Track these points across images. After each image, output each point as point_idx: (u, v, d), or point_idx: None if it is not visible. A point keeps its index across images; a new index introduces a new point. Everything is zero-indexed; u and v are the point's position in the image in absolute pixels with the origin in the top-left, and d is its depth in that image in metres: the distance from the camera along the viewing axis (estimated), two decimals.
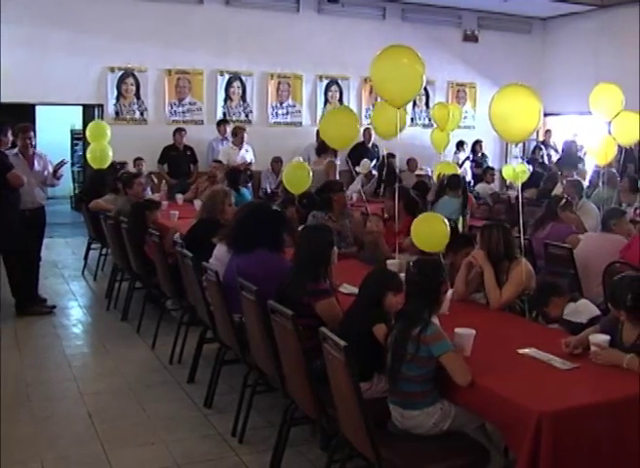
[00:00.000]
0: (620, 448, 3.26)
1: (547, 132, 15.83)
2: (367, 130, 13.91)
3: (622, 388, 3.39)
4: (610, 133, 8.44)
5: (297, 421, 4.27)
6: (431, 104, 14.30)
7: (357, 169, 12.23)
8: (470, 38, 15.94)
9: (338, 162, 11.06)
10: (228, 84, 13.72)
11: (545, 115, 16.72)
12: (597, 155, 9.00)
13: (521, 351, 3.83)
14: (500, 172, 14.40)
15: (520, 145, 16.99)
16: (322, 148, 10.97)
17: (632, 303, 3.61)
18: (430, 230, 5.97)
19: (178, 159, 12.37)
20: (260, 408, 4.94)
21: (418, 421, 3.60)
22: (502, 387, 3.38)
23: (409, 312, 3.69)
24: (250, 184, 11.41)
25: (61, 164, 7.71)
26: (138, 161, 11.72)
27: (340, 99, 14.60)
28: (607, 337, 3.69)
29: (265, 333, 4.27)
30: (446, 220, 6.09)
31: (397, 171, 12.05)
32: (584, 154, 12.92)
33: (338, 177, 10.30)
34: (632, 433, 3.28)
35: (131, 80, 12.91)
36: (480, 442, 3.68)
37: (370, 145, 13.62)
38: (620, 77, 10.30)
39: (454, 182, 9.11)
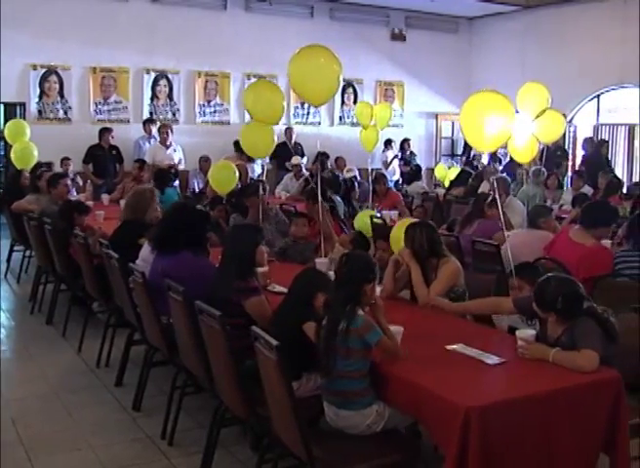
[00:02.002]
0: (546, 440, 3.31)
1: None
2: (289, 129, 13.93)
3: (549, 382, 3.45)
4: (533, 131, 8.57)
5: (227, 422, 4.24)
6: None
7: (287, 164, 12.29)
8: (398, 37, 16.07)
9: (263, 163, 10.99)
10: (155, 82, 13.56)
11: None
12: (520, 153, 9.14)
13: (449, 347, 3.87)
14: (432, 170, 14.61)
15: (449, 145, 17.29)
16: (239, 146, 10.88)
17: (563, 305, 3.67)
18: None
19: (103, 159, 12.17)
20: (190, 409, 4.89)
21: (352, 422, 3.59)
22: (431, 383, 3.40)
23: (332, 305, 3.68)
24: (177, 184, 11.31)
25: None
26: (65, 161, 11.51)
27: None
28: (533, 332, 3.76)
29: (193, 334, 4.23)
30: None
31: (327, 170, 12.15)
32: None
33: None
34: (559, 425, 3.34)
35: (54, 78, 12.65)
36: (412, 438, 3.70)
37: (292, 144, 13.61)
38: (545, 76, 10.50)
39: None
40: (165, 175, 9.79)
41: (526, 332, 3.76)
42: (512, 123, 5.21)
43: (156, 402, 5.13)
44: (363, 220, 8.28)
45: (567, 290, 3.72)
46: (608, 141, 13.62)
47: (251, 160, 11.09)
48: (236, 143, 11.49)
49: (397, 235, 5.70)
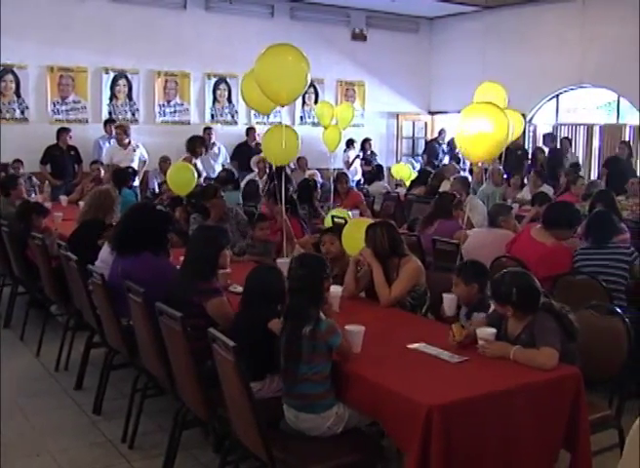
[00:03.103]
0: (508, 437, 3.34)
1: (442, 131, 16.04)
2: (250, 129, 13.86)
3: (510, 379, 3.47)
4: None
5: (188, 424, 4.20)
6: None
7: (252, 162, 12.26)
8: (359, 37, 16.09)
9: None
10: (114, 82, 13.40)
11: (433, 113, 17.17)
12: None
13: (410, 346, 3.87)
14: (390, 169, 14.64)
15: (409, 144, 17.37)
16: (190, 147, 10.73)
17: (518, 297, 3.70)
18: (360, 234, 5.81)
19: (61, 159, 11.97)
20: (151, 412, 4.84)
21: (312, 425, 3.59)
22: (392, 382, 3.41)
23: (295, 309, 3.68)
24: (137, 184, 11.18)
25: None
26: (15, 163, 11.31)
27: (229, 98, 14.50)
28: (493, 330, 3.78)
29: (154, 336, 4.20)
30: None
31: (289, 171, 12.11)
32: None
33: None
34: (520, 422, 3.37)
35: (10, 77, 12.41)
36: (374, 438, 3.70)
37: (253, 145, 13.56)
38: (505, 76, 10.62)
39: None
40: (124, 175, 9.68)
41: (486, 331, 3.78)
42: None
43: (117, 405, 5.08)
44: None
45: (521, 282, 3.76)
46: (569, 138, 13.73)
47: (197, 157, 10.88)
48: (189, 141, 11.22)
49: (349, 233, 5.69)
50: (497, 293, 3.82)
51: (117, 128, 12.12)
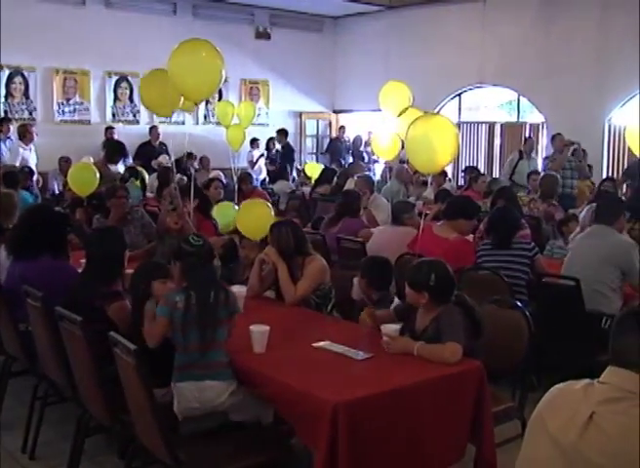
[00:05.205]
0: (414, 432, 3.38)
1: (341, 128, 16.30)
2: (153, 128, 13.66)
3: (414, 374, 3.50)
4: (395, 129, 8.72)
5: (91, 431, 4.10)
6: None
7: (153, 163, 12.09)
8: (263, 35, 16.06)
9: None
10: (9, 79, 12.99)
11: (337, 112, 17.29)
12: (384, 151, 9.32)
13: (315, 345, 3.88)
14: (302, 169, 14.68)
15: (314, 141, 17.45)
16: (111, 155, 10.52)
17: (436, 283, 3.73)
18: (255, 215, 5.89)
19: None
20: (53, 420, 4.68)
21: (215, 392, 3.57)
22: (298, 381, 3.41)
23: (203, 280, 3.74)
24: (36, 186, 10.86)
25: None
26: None
27: (131, 97, 14.24)
28: (397, 327, 3.81)
29: (54, 341, 4.09)
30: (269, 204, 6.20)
31: (193, 170, 11.98)
32: (372, 152, 13.47)
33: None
34: (426, 416, 3.41)
35: None
36: (282, 436, 3.69)
37: (157, 144, 13.39)
38: (408, 76, 10.73)
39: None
40: (15, 176, 9.35)
41: (390, 327, 3.81)
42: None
43: (16, 414, 4.89)
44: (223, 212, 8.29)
45: (439, 269, 3.80)
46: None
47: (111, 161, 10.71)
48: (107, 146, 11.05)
49: (243, 216, 5.79)
50: (414, 279, 3.81)
51: (21, 127, 11.75)
